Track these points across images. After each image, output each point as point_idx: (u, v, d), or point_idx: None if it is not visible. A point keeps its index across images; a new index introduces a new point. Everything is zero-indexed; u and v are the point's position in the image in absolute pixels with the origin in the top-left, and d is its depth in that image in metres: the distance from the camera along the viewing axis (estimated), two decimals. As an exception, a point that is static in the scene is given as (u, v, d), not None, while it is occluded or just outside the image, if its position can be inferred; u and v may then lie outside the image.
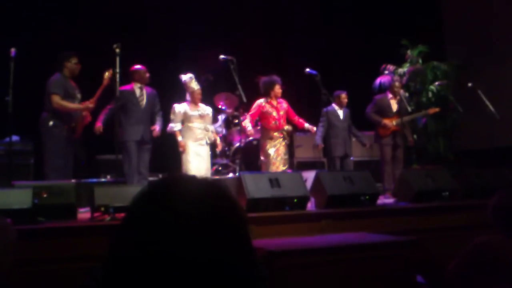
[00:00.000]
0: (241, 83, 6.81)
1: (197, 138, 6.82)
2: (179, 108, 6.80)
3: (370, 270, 4.29)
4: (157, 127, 6.69)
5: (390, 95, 8.06)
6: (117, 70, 5.98)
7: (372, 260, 4.30)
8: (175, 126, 6.75)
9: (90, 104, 6.13)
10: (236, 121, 8.35)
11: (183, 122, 6.80)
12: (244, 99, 6.68)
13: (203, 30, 9.29)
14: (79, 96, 6.20)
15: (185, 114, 6.79)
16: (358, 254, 4.29)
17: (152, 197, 0.92)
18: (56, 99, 5.98)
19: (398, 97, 8.04)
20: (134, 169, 6.44)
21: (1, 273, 1.85)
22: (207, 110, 7.06)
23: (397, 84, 8.11)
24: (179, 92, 7.45)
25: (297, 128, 7.56)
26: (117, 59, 5.96)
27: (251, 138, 8.19)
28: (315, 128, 7.39)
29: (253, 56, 8.88)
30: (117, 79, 5.99)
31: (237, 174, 7.83)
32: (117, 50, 5.97)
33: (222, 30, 9.39)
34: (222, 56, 6.95)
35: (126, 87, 6.58)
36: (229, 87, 7.69)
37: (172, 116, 6.81)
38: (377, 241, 4.66)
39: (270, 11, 10.14)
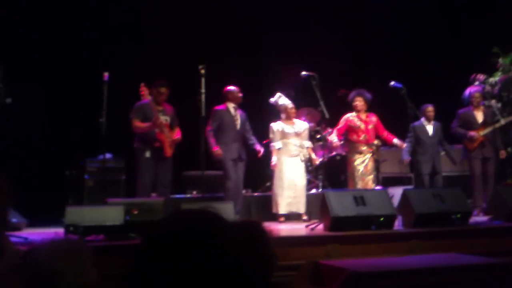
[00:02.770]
0: (323, 98, 6.77)
1: (292, 155, 6.91)
2: (277, 126, 6.96)
3: (463, 294, 4.08)
4: (261, 148, 6.93)
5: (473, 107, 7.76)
6: (203, 91, 6.15)
7: (465, 283, 4.10)
8: (276, 145, 6.91)
9: (154, 121, 6.28)
10: (319, 136, 8.30)
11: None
12: (327, 115, 6.64)
13: (284, 46, 9.35)
14: (162, 118, 6.37)
15: (282, 131, 6.90)
16: (450, 276, 4.11)
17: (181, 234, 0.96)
18: (133, 123, 6.31)
19: (482, 108, 7.75)
20: (234, 186, 6.67)
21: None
22: (303, 126, 7.14)
23: (476, 95, 7.78)
24: (261, 109, 7.55)
25: (385, 143, 7.39)
26: (203, 80, 6.13)
27: (334, 153, 8.10)
28: (404, 144, 7.18)
29: (336, 71, 8.81)
30: (203, 100, 6.14)
31: (320, 190, 7.76)
32: (202, 71, 6.15)
33: (304, 46, 9.39)
34: (304, 72, 6.96)
35: (221, 107, 6.81)
36: (310, 102, 7.67)
37: (271, 135, 7.00)
38: (470, 263, 4.44)
39: (352, 24, 10.02)
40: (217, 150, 6.60)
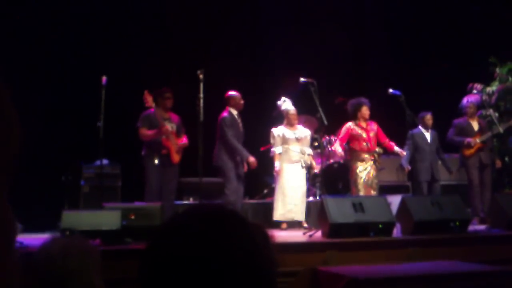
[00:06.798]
0: (321, 106, 6.75)
1: (292, 161, 6.88)
2: (277, 131, 6.94)
3: (462, 302, 4.06)
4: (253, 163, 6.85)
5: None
6: (201, 95, 6.14)
7: (464, 291, 4.07)
8: (277, 150, 6.88)
9: (160, 128, 6.29)
10: (316, 143, 8.28)
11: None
12: (325, 122, 6.62)
13: (282, 52, 9.36)
14: (168, 126, 6.39)
15: (283, 137, 6.88)
16: (448, 284, 4.09)
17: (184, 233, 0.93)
18: (140, 131, 6.34)
19: (476, 118, 7.89)
20: (235, 192, 6.63)
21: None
22: (305, 132, 7.12)
23: (470, 105, 7.90)
24: (259, 115, 7.50)
25: (386, 151, 7.38)
26: (201, 85, 6.13)
27: (332, 161, 8.08)
28: (404, 153, 7.18)
29: (334, 78, 8.81)
30: (201, 104, 6.13)
31: (317, 197, 7.73)
32: (201, 76, 6.15)
33: (303, 52, 9.40)
34: (302, 79, 6.94)
35: (226, 113, 6.76)
36: (308, 110, 7.65)
37: (272, 141, 6.98)
38: (469, 270, 4.42)
39: (351, 32, 10.05)
40: (252, 159, 6.62)
